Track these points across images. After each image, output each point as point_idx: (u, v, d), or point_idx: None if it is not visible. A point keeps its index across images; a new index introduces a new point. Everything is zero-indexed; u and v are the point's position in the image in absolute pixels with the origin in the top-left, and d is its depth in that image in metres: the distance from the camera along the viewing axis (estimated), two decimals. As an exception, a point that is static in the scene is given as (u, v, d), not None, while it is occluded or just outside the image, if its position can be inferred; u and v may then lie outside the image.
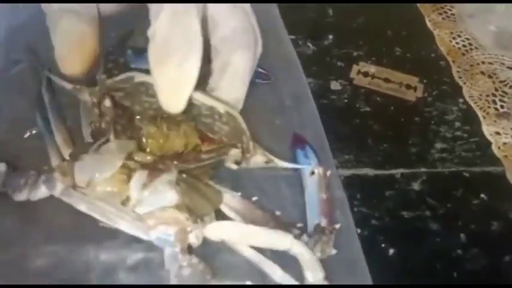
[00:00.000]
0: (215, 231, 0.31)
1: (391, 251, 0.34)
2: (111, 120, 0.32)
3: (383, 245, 0.34)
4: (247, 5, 0.34)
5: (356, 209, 0.36)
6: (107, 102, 0.33)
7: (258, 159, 0.34)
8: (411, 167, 0.39)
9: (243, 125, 0.32)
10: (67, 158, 0.32)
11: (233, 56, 0.32)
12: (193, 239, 0.30)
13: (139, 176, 0.30)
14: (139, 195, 0.30)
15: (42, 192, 0.31)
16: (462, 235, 0.35)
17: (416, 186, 0.38)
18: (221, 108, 0.32)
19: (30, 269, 0.30)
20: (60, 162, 0.31)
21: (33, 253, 0.30)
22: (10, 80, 0.39)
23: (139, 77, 0.32)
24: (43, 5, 0.34)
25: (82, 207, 0.30)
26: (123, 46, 0.37)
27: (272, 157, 0.34)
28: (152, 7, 0.30)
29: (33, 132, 0.36)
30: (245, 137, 0.33)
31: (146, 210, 0.30)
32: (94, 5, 0.33)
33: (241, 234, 0.31)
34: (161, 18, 0.29)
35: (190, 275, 0.28)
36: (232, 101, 0.33)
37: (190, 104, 0.31)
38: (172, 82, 0.29)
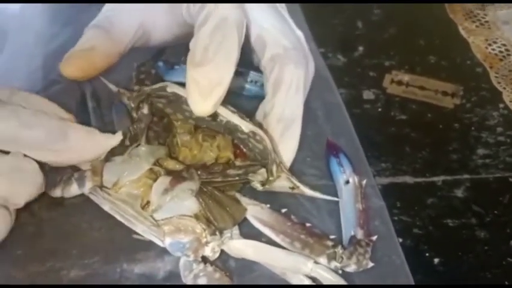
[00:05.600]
0: (235, 249, 0.30)
1: (436, 261, 0.33)
2: (145, 126, 0.33)
3: (427, 255, 0.33)
4: (294, 25, 0.35)
5: (396, 218, 0.34)
6: (145, 109, 0.33)
7: (282, 183, 0.32)
8: (453, 173, 0.37)
9: (269, 146, 0.32)
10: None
11: (285, 72, 0.32)
12: (209, 252, 0.30)
13: (162, 181, 0.30)
14: (159, 199, 0.30)
15: (74, 189, 0.31)
16: (511, 243, 0.34)
17: (459, 193, 0.36)
18: (244, 127, 0.32)
19: (64, 280, 0.30)
20: (94, 162, 0.31)
21: (68, 265, 0.30)
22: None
23: (172, 88, 0.33)
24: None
25: (106, 207, 0.30)
26: (155, 60, 0.37)
27: (298, 183, 0.32)
28: (198, 21, 0.31)
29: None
30: (270, 158, 0.32)
31: (164, 216, 0.30)
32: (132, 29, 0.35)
33: (262, 256, 0.30)
34: (204, 29, 0.30)
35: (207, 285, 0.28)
36: (288, 118, 0.32)
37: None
38: (202, 85, 0.29)
